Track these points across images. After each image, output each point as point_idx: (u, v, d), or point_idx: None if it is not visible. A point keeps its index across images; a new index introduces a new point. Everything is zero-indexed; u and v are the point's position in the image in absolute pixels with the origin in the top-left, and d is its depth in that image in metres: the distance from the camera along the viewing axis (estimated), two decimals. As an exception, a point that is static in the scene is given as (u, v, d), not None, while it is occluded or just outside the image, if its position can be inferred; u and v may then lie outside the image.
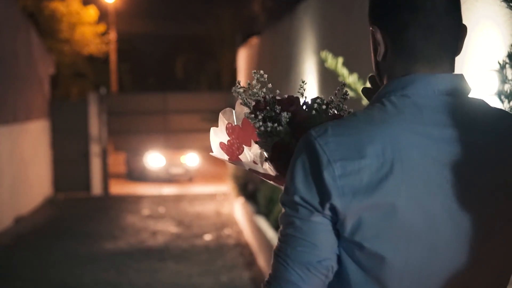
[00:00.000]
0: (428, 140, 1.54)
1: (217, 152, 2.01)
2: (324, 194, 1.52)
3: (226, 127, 1.99)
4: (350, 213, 1.51)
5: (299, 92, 1.90)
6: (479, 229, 1.58)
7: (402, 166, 1.51)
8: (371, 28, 1.69)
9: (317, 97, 1.87)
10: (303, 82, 1.90)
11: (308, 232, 1.55)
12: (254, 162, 1.94)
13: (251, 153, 1.95)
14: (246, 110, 1.91)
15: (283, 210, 1.61)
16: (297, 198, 1.55)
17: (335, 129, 1.56)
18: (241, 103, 1.94)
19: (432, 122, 1.56)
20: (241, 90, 1.90)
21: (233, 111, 2.00)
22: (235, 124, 1.99)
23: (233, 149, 1.98)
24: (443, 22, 1.61)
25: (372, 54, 1.72)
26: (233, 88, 1.89)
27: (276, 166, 1.85)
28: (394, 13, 1.62)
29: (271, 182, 1.95)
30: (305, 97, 1.90)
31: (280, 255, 1.59)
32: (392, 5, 1.63)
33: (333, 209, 1.52)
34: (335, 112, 1.88)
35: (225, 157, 2.00)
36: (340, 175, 1.51)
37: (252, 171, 1.96)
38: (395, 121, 1.55)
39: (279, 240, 1.61)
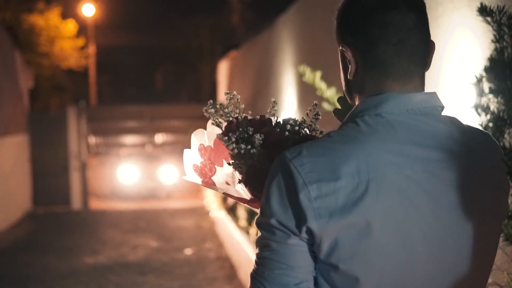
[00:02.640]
0: (403, 158, 1.54)
1: (191, 175, 1.99)
2: (300, 217, 1.51)
3: (199, 148, 1.97)
4: (326, 234, 1.50)
5: (269, 112, 1.90)
6: (453, 246, 1.58)
7: (377, 185, 1.51)
8: (340, 47, 1.68)
9: (290, 118, 1.86)
10: (274, 102, 1.89)
11: (285, 255, 1.54)
12: (227, 183, 1.93)
13: (223, 173, 1.93)
14: (218, 130, 1.90)
15: (259, 232, 1.59)
16: (273, 221, 1.54)
17: (309, 150, 1.55)
18: (212, 123, 1.92)
19: (406, 140, 1.56)
20: (213, 110, 1.88)
21: (205, 132, 1.98)
22: (207, 144, 1.97)
23: (205, 170, 1.96)
24: (413, 37, 1.61)
25: (342, 73, 1.72)
26: (204, 108, 1.88)
27: (250, 189, 1.83)
28: (364, 30, 1.62)
29: (246, 205, 1.93)
30: (277, 118, 1.89)
31: (258, 278, 1.58)
32: (362, 22, 1.62)
33: (309, 231, 1.51)
34: (307, 132, 1.87)
35: (199, 180, 1.98)
36: (316, 197, 1.50)
37: (226, 194, 1.94)
38: (369, 140, 1.55)
39: (256, 263, 1.60)
